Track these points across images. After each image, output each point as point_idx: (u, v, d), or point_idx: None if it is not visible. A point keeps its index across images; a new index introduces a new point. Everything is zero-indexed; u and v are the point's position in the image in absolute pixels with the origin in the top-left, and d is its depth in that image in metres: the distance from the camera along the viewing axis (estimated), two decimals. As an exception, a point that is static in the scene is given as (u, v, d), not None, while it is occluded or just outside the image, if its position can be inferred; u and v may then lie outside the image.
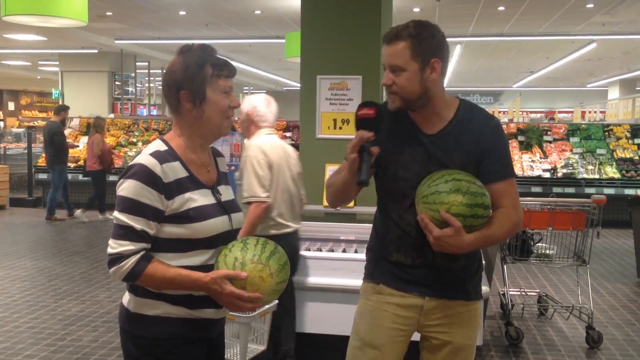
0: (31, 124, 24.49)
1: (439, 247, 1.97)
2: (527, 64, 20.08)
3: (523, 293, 5.61)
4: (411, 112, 2.12)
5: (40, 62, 21.13)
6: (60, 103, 17.71)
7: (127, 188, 1.82)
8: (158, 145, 1.92)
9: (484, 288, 3.35)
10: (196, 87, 1.87)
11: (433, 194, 1.96)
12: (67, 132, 12.50)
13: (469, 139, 2.09)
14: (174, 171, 1.87)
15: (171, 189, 1.84)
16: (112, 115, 14.68)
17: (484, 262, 3.39)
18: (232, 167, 4.74)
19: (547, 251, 4.85)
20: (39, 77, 26.28)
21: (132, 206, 1.80)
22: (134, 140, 12.48)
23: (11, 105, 29.31)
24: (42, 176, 11.66)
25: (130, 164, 1.87)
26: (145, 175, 1.81)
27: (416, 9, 11.66)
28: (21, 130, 19.07)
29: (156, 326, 1.88)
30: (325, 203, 4.57)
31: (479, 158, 2.08)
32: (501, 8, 11.43)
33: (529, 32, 13.81)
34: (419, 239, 2.06)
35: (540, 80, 25.00)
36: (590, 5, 11.04)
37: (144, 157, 1.86)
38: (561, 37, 14.21)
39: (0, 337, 4.65)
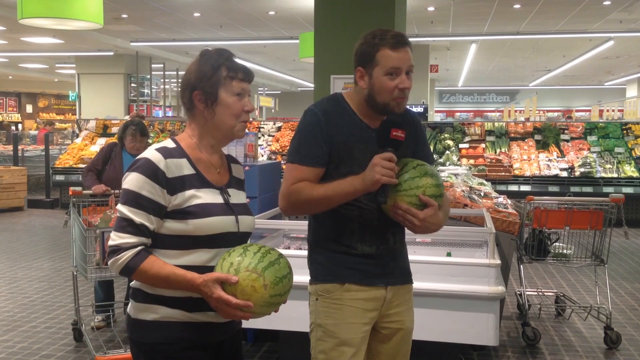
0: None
1: (422, 230, 2.08)
2: (543, 63, 19.92)
3: (540, 293, 5.56)
4: (367, 109, 2.17)
5: (57, 65, 21.37)
6: (77, 105, 17.91)
7: (130, 181, 1.83)
8: (167, 142, 1.94)
9: (500, 288, 3.32)
10: (209, 88, 1.88)
11: (407, 180, 2.06)
12: (83, 134, 12.64)
13: (407, 130, 2.18)
14: (179, 167, 1.87)
15: (174, 185, 1.84)
16: (127, 117, 14.79)
17: (500, 262, 3.36)
18: (247, 167, 4.76)
19: (565, 251, 4.79)
20: (56, 80, 26.57)
21: (133, 199, 1.81)
22: (150, 141, 12.55)
23: (29, 108, 29.66)
24: (60, 177, 11.77)
25: (136, 158, 1.89)
26: (148, 169, 1.82)
27: (431, 8, 11.61)
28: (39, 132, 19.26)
29: (156, 331, 1.86)
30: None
31: (415, 146, 2.28)
32: (517, 6, 11.35)
33: (545, 30, 13.70)
34: (382, 226, 2.19)
35: (557, 78, 24.79)
36: (607, 3, 10.92)
37: (150, 151, 1.87)
38: (578, 35, 14.09)
39: (18, 337, 4.69)
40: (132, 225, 1.80)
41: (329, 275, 2.21)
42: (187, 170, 1.89)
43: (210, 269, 1.83)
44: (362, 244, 2.19)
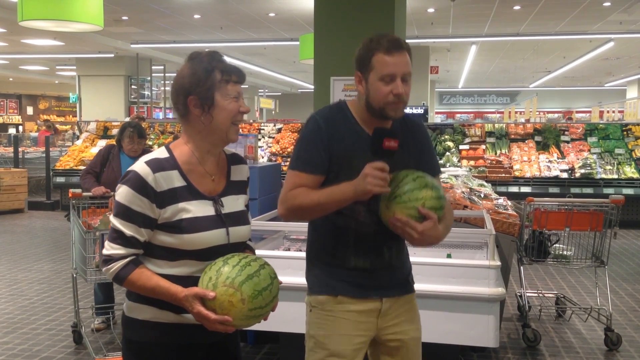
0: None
1: (421, 242, 2.04)
2: (543, 64, 19.93)
3: (540, 295, 5.55)
4: (368, 116, 2.15)
5: (57, 67, 21.39)
6: (78, 107, 17.91)
7: (121, 194, 1.85)
8: (160, 152, 1.92)
9: (500, 289, 3.32)
10: (204, 92, 1.86)
11: (406, 192, 2.02)
12: (83, 136, 12.64)
13: (411, 139, 2.20)
14: (169, 180, 1.87)
15: (163, 198, 1.85)
16: (127, 119, 14.80)
17: (500, 263, 3.36)
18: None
19: (565, 252, 4.79)
20: (56, 82, 26.58)
21: (124, 212, 1.84)
22: (150, 143, 12.56)
23: (30, 110, 29.69)
24: (60, 179, 11.77)
25: (127, 169, 1.89)
26: (137, 183, 1.83)
27: (430, 10, 11.62)
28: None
29: (145, 331, 1.89)
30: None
31: (419, 155, 2.24)
32: (517, 7, 11.36)
33: (545, 31, 13.71)
34: (377, 240, 2.16)
35: (557, 80, 24.80)
36: (607, 4, 10.93)
37: (140, 164, 1.87)
38: (578, 36, 14.09)
39: (18, 339, 4.69)
40: (122, 238, 1.84)
41: (323, 287, 2.21)
42: (178, 182, 1.88)
43: (197, 279, 1.84)
44: (356, 258, 2.18)
